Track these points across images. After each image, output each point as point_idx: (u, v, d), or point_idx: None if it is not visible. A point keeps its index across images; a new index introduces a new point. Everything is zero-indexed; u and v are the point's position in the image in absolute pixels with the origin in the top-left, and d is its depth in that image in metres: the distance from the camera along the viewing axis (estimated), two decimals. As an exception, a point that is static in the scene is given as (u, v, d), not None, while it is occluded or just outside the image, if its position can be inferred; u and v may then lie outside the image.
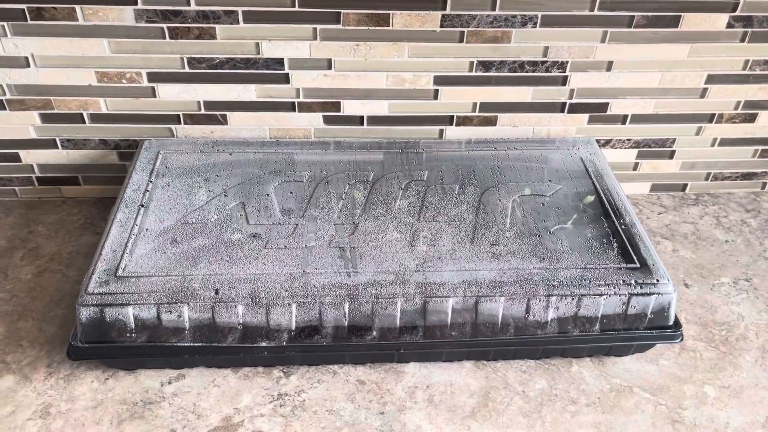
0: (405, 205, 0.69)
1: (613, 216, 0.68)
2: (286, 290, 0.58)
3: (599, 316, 0.60)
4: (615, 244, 0.64)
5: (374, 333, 0.60)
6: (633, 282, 0.60)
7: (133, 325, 0.58)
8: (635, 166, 0.86)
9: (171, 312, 0.57)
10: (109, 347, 0.58)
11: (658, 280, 0.60)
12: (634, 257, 0.63)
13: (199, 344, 0.59)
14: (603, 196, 0.71)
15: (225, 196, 0.69)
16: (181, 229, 0.64)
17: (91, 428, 0.57)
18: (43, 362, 0.63)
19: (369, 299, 0.58)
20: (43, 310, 0.68)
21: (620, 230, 0.66)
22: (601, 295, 0.60)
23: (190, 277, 0.59)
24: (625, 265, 0.62)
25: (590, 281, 0.60)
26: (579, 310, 0.60)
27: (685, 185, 0.89)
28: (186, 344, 0.59)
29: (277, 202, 0.69)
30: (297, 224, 0.66)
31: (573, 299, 0.60)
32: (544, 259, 0.63)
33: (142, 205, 0.67)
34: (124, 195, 0.68)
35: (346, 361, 0.63)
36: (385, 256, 0.62)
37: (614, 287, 0.60)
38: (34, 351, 0.64)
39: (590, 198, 0.71)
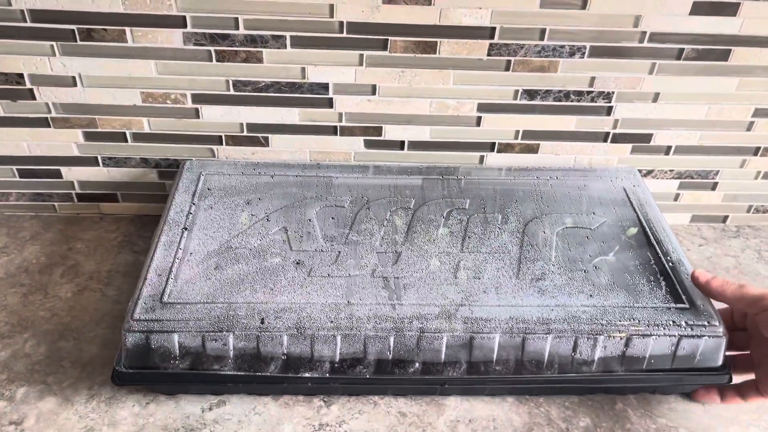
0: (447, 234, 0.68)
1: (659, 251, 0.67)
2: (332, 321, 0.58)
3: (647, 356, 0.59)
4: (663, 282, 0.63)
5: (417, 366, 0.59)
6: (683, 323, 0.59)
7: (177, 352, 0.57)
8: (676, 197, 0.85)
9: (216, 340, 0.57)
10: (153, 373, 0.58)
11: (708, 322, 0.59)
12: (683, 297, 0.62)
13: (242, 373, 0.58)
14: (648, 229, 0.70)
15: (267, 220, 0.69)
16: (224, 254, 0.64)
17: (133, 453, 0.57)
18: (84, 384, 0.63)
19: (414, 333, 0.58)
20: (83, 330, 0.68)
21: (667, 267, 0.65)
22: (650, 335, 0.59)
23: (236, 305, 0.59)
24: (674, 305, 0.61)
25: (639, 321, 0.59)
26: (627, 349, 0.59)
27: (726, 217, 0.88)
28: (229, 372, 0.58)
29: (319, 228, 0.68)
30: (340, 252, 0.66)
31: (621, 339, 0.59)
32: (591, 296, 0.62)
33: (186, 228, 0.67)
34: (167, 216, 0.68)
35: (387, 392, 0.62)
36: (429, 288, 0.62)
37: (664, 328, 0.59)
38: (76, 372, 0.64)
39: (633, 230, 0.70)
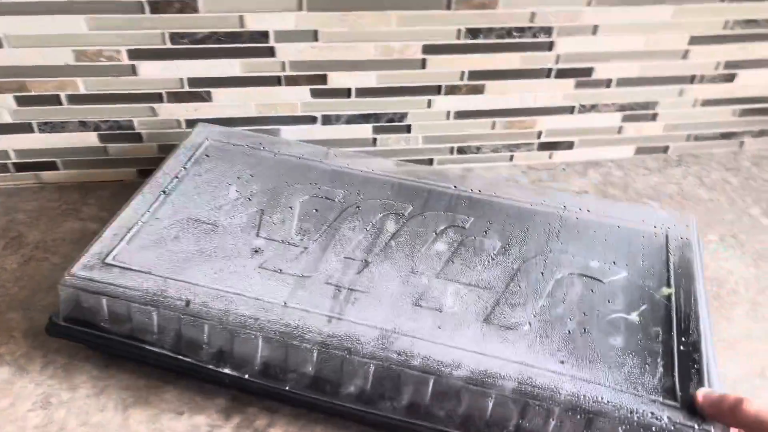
0: (432, 254, 0.60)
1: (675, 329, 0.54)
2: (256, 320, 0.53)
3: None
4: (660, 368, 0.51)
5: (339, 389, 0.53)
6: (665, 419, 0.47)
7: (107, 316, 0.56)
8: (619, 130, 0.86)
9: (141, 313, 0.55)
10: (82, 332, 0.57)
11: (698, 425, 0.47)
12: (678, 393, 0.49)
13: (165, 352, 0.55)
14: (676, 297, 0.57)
15: (249, 199, 0.65)
16: (188, 226, 0.61)
17: (96, 416, 0.56)
18: (38, 353, 0.62)
19: (340, 353, 0.51)
20: (32, 299, 0.67)
21: (675, 351, 0.52)
22: (619, 422, 0.48)
23: (171, 281, 0.55)
24: (661, 399, 0.49)
25: (608, 402, 0.48)
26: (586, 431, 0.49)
27: (668, 147, 0.89)
28: (156, 349, 0.56)
29: (297, 218, 0.63)
30: (306, 248, 0.60)
31: (581, 417, 0.48)
32: (562, 362, 0.51)
33: (165, 192, 0.65)
34: (153, 177, 0.67)
35: (301, 408, 0.57)
36: (379, 309, 0.55)
37: (638, 416, 0.47)
38: (28, 341, 0.63)
39: (667, 291, 0.57)
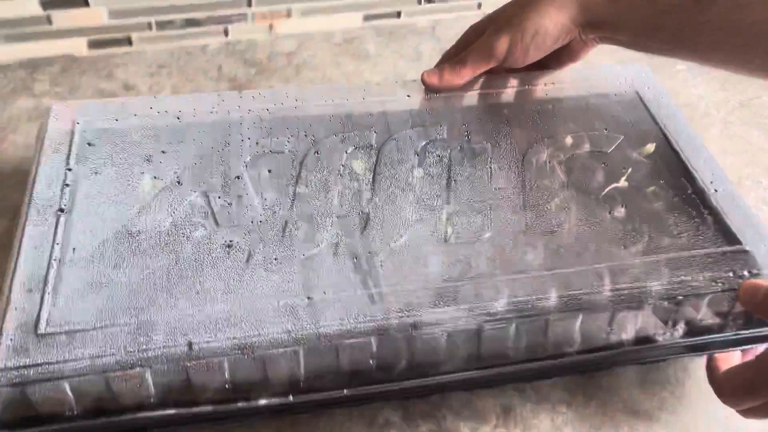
0: (426, 181, 0.51)
1: (697, 177, 0.52)
2: (289, 331, 0.41)
3: (701, 318, 0.46)
4: (709, 218, 0.49)
5: (406, 368, 0.44)
6: (745, 272, 0.46)
7: (73, 403, 0.40)
8: None
9: (127, 381, 0.40)
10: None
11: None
12: (737, 235, 0.48)
13: (171, 411, 0.42)
14: (676, 149, 0.55)
15: (179, 183, 0.50)
16: (123, 245, 0.45)
17: None
18: None
19: (404, 332, 0.42)
20: None
21: (711, 198, 0.50)
22: (705, 294, 0.45)
23: (148, 324, 0.41)
24: (728, 247, 0.47)
25: (691, 278, 0.45)
26: (677, 315, 0.46)
27: None
28: (155, 414, 0.42)
29: (252, 188, 0.50)
30: (286, 222, 0.48)
31: (672, 303, 0.45)
32: (624, 246, 0.47)
33: (61, 210, 0.47)
34: (32, 194, 0.48)
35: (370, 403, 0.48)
36: (415, 261, 0.45)
37: (721, 282, 0.45)
38: None
39: (650, 147, 0.55)
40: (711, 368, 0.45)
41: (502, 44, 0.54)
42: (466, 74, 0.56)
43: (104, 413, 0.41)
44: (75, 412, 0.41)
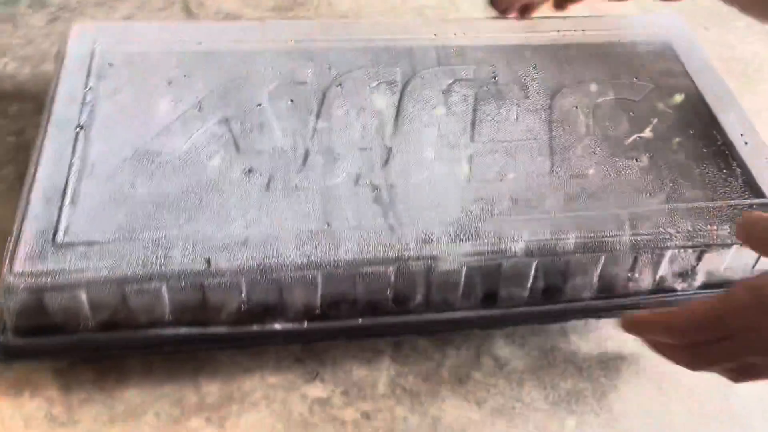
0: (452, 121, 0.50)
1: (726, 130, 0.51)
2: (308, 255, 0.41)
3: (722, 271, 0.46)
4: (738, 170, 0.48)
5: (423, 303, 0.44)
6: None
7: (88, 312, 0.40)
8: None
9: (143, 294, 0.40)
10: (56, 342, 0.41)
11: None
12: (763, 188, 0.47)
13: (185, 331, 0.42)
14: (707, 101, 0.53)
15: (200, 109, 0.49)
16: (142, 164, 0.45)
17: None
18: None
19: (423, 263, 0.42)
20: None
21: (740, 151, 0.49)
22: (731, 245, 0.44)
23: (166, 240, 0.41)
24: (755, 199, 0.46)
25: (717, 226, 0.45)
26: (698, 265, 0.45)
27: None
28: (169, 332, 0.42)
29: (274, 117, 0.49)
30: (307, 150, 0.47)
31: (694, 252, 0.44)
32: (650, 195, 0.46)
33: (81, 126, 0.46)
34: (51, 110, 0.47)
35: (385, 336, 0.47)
36: (436, 194, 0.45)
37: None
38: None
39: (678, 98, 0.53)
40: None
41: None
42: None
43: (118, 327, 0.41)
44: (90, 324, 0.41)
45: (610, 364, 0.48)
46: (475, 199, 0.45)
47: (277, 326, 0.42)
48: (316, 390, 0.45)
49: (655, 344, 0.40)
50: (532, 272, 0.43)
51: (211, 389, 0.45)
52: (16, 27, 0.68)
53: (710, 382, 0.44)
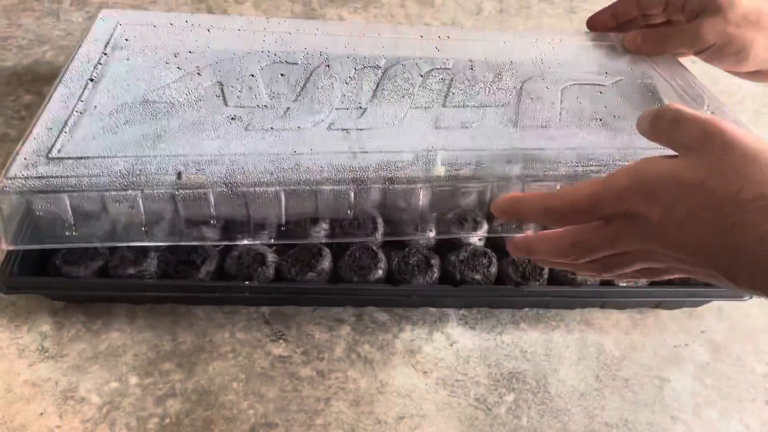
0: (426, 93, 0.54)
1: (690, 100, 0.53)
2: (272, 173, 0.44)
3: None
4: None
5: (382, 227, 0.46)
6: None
7: (71, 219, 0.43)
8: None
9: (120, 202, 0.43)
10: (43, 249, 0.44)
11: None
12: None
13: (161, 242, 0.45)
14: (673, 83, 0.56)
15: (198, 74, 0.55)
16: (139, 108, 0.50)
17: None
18: None
19: (380, 185, 0.44)
20: None
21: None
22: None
23: (146, 158, 0.45)
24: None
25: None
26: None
27: None
28: (148, 244, 0.45)
29: (263, 84, 0.54)
30: (288, 107, 0.52)
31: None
32: (612, 138, 0.48)
33: (92, 79, 0.52)
34: (69, 67, 0.53)
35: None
36: (401, 136, 0.48)
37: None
38: None
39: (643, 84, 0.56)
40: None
41: (709, 37, 0.52)
42: (665, 51, 0.58)
43: (99, 238, 0.44)
44: (74, 234, 0.44)
45: (553, 350, 0.50)
46: (438, 140, 0.48)
47: (245, 241, 0.45)
48: (279, 348, 0.48)
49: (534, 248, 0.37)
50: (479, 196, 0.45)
51: (186, 339, 0.49)
52: (58, 20, 0.78)
53: (648, 374, 0.48)
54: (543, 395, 0.47)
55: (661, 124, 0.34)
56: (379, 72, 0.57)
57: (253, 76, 0.55)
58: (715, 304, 0.54)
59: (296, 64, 0.57)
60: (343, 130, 0.49)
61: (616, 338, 0.51)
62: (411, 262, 0.49)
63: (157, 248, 0.48)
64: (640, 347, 0.51)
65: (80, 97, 0.50)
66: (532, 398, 0.47)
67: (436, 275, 0.49)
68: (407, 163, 0.45)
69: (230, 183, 0.43)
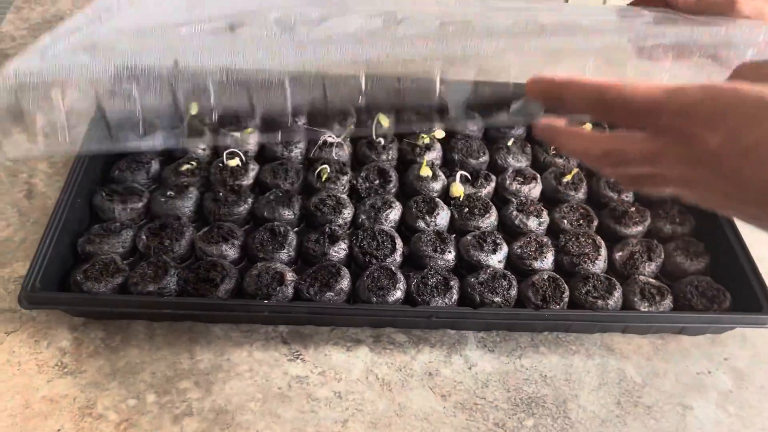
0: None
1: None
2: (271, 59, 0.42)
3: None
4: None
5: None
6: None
7: (65, 123, 0.42)
8: None
9: (115, 97, 0.42)
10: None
11: None
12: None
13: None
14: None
15: (209, 20, 0.51)
16: (146, 34, 0.48)
17: None
18: None
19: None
20: None
21: None
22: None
23: (142, 54, 0.42)
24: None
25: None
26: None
27: None
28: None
29: (274, 25, 0.51)
30: (293, 36, 0.49)
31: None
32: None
33: (107, 9, 0.50)
34: (90, 6, 0.51)
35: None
36: (346, 45, 0.45)
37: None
38: None
39: None
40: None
41: (744, 8, 0.43)
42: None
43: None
44: (67, 138, 0.42)
45: (573, 375, 0.48)
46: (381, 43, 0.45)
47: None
48: (296, 368, 0.48)
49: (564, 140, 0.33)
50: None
51: (204, 357, 0.48)
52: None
53: (670, 401, 0.45)
54: (563, 421, 0.44)
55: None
56: (392, 21, 0.53)
57: (264, 20, 0.51)
58: (739, 330, 0.50)
59: (309, 17, 0.53)
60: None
61: (637, 364, 0.48)
62: (430, 283, 0.47)
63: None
64: (662, 374, 0.47)
65: (91, 22, 0.47)
66: (552, 423, 0.44)
67: (455, 297, 0.47)
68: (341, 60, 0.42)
69: (229, 71, 0.41)
